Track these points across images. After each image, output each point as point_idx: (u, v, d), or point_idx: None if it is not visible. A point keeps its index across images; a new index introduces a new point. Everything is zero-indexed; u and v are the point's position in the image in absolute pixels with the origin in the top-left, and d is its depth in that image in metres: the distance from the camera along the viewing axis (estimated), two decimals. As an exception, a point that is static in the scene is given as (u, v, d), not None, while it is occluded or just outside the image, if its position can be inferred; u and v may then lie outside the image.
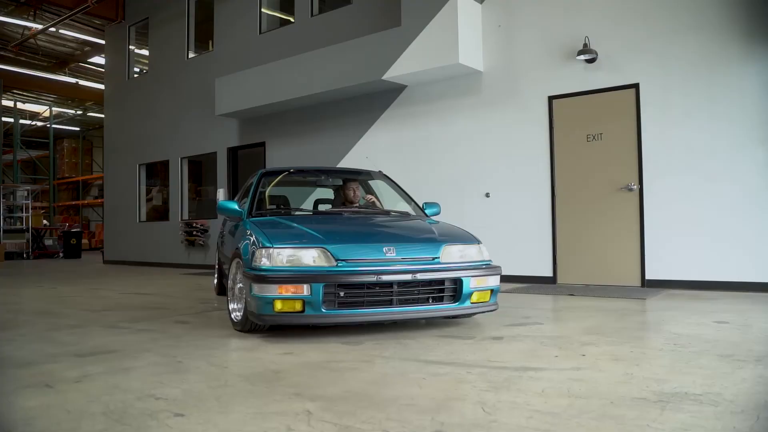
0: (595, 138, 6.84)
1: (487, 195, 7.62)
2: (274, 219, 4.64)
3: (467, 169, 7.82)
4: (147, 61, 13.91)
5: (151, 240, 12.79)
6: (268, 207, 5.18)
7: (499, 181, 7.54)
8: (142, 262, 12.87)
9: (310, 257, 3.74)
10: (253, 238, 3.99)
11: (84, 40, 17.21)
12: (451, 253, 4.03)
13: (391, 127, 8.65)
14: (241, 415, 2.29)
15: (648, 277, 6.42)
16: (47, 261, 16.48)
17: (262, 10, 10.69)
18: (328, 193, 6.17)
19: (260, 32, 10.62)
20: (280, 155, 10.06)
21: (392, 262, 3.82)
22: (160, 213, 13.33)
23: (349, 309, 3.73)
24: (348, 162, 8.95)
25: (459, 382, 2.73)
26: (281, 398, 2.50)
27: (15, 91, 21.60)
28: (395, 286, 3.76)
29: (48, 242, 18.80)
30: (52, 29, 15.09)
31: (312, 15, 9.78)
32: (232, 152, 11.13)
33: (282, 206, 5.39)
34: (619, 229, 6.63)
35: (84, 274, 10.76)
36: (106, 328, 4.45)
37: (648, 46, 6.50)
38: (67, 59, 19.14)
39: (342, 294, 3.68)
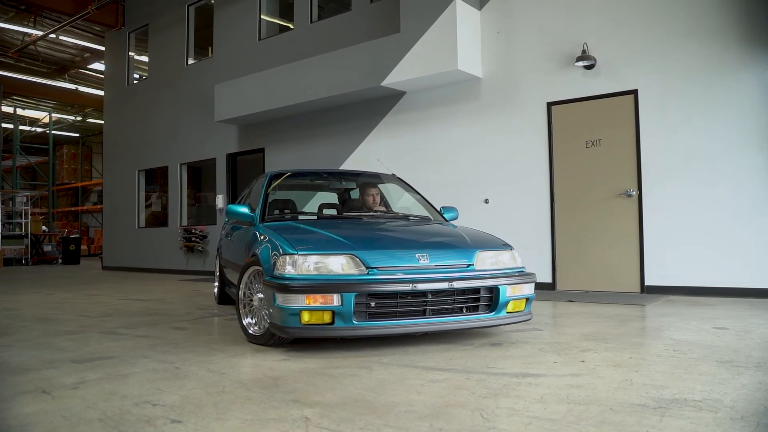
0: (594, 144, 6.84)
1: (486, 201, 7.62)
2: (291, 224, 4.39)
3: (466, 175, 7.83)
4: (146, 68, 13.93)
5: (150, 246, 12.79)
6: (277, 211, 4.90)
7: (498, 187, 7.55)
8: (141, 268, 12.85)
9: (339, 264, 3.49)
10: (272, 245, 3.75)
11: (84, 46, 17.25)
12: (485, 260, 3.82)
13: (390, 133, 8.66)
14: (238, 421, 2.27)
15: (647, 283, 6.41)
16: (46, 267, 16.46)
17: (262, 16, 10.73)
18: (332, 197, 5.92)
19: (259, 38, 10.65)
20: (279, 161, 10.06)
21: (426, 270, 3.59)
22: (159, 219, 13.33)
23: (381, 320, 3.47)
24: (348, 168, 8.95)
25: (457, 388, 2.72)
26: (279, 405, 2.49)
27: (15, 97, 21.63)
28: (429, 296, 3.53)
29: (47, 248, 18.80)
30: (52, 35, 15.15)
31: (311, 21, 9.81)
32: (232, 158, 11.14)
33: (292, 210, 5.05)
34: (618, 235, 6.63)
35: (82, 280, 10.74)
36: (104, 334, 4.44)
37: (646, 52, 6.51)
38: (67, 65, 19.18)
39: (373, 304, 3.44)
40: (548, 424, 2.18)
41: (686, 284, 6.19)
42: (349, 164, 9.00)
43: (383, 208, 5.37)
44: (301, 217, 4.84)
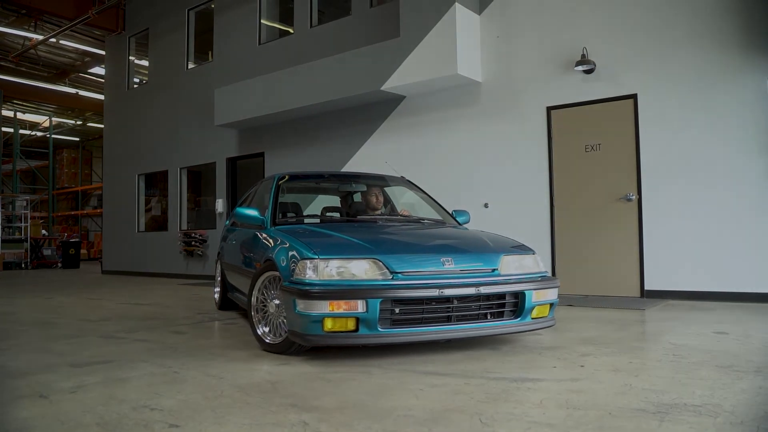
0: (594, 148, 6.84)
1: (486, 206, 7.61)
2: (305, 227, 4.27)
3: (466, 179, 7.83)
4: (147, 72, 13.95)
5: (150, 250, 12.77)
6: (286, 214, 4.72)
7: (497, 191, 7.54)
8: (140, 272, 12.84)
9: (362, 269, 3.37)
10: (290, 249, 3.61)
11: (84, 50, 17.28)
12: (509, 264, 3.71)
13: (390, 137, 8.67)
14: (236, 426, 2.27)
15: (647, 287, 6.40)
16: (46, 271, 16.44)
17: (262, 21, 10.74)
18: (333, 200, 5.82)
19: (260, 43, 10.66)
20: (279, 165, 10.06)
21: (452, 275, 3.48)
22: (158, 223, 13.33)
23: (406, 327, 3.35)
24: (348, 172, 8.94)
25: (456, 393, 2.71)
26: (277, 409, 2.48)
27: (15, 101, 21.65)
28: (455, 301, 3.42)
29: (47, 252, 18.77)
30: (53, 40, 15.15)
31: (311, 26, 9.83)
32: (231, 162, 11.14)
33: (297, 213, 4.87)
34: (618, 239, 6.63)
35: (82, 284, 10.73)
36: (102, 338, 4.43)
37: (646, 57, 6.52)
38: (68, 69, 19.21)
39: (397, 311, 3.32)
40: (547, 429, 2.17)
41: (686, 288, 6.18)
42: (349, 168, 9.00)
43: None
44: (311, 221, 4.70)
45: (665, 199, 6.35)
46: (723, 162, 6.04)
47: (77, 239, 19.97)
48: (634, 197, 6.53)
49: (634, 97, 6.57)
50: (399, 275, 3.38)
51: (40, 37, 15.01)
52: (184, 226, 12.19)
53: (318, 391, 2.78)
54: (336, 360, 3.47)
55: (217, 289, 6.29)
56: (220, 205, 11.02)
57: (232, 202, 10.82)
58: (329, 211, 5.19)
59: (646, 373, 3.04)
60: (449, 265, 3.52)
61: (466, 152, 7.86)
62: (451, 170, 7.97)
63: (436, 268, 3.49)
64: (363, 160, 8.85)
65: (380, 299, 3.22)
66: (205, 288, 8.98)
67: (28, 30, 15.35)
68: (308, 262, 3.37)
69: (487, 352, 3.66)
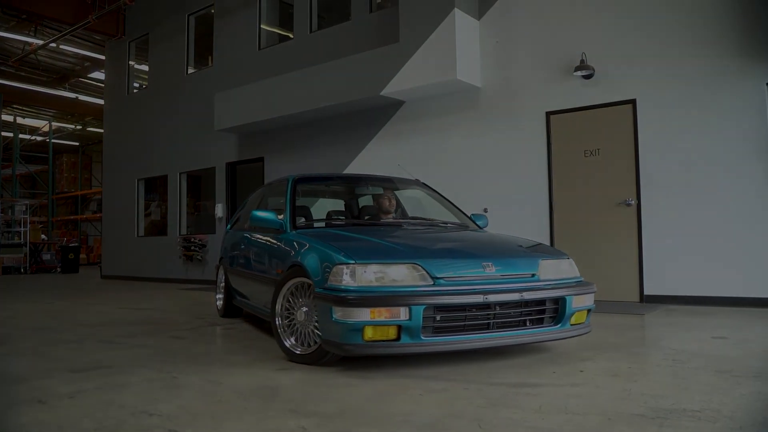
0: (593, 153, 6.85)
1: (485, 211, 7.61)
2: (329, 231, 4.12)
3: (465, 184, 7.82)
4: (146, 77, 13.97)
5: (150, 255, 12.77)
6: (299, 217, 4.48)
7: (497, 196, 7.54)
8: (139, 277, 12.83)
9: (402, 274, 3.19)
10: (320, 253, 3.43)
11: (84, 55, 17.29)
12: (548, 269, 3.58)
13: (389, 142, 8.68)
14: (235, 431, 2.27)
15: (647, 292, 6.40)
16: (45, 276, 16.42)
17: (262, 26, 10.77)
18: (341, 204, 5.65)
19: (259, 48, 10.68)
20: (278, 170, 10.06)
21: (493, 280, 3.34)
22: (158, 228, 13.33)
23: (448, 335, 3.20)
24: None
25: (456, 398, 2.71)
26: (276, 415, 2.48)
27: (15, 105, 21.66)
28: (496, 308, 3.28)
29: (46, 257, 18.75)
30: (53, 44, 15.18)
31: (311, 31, 9.85)
32: (231, 167, 11.15)
33: (307, 217, 4.63)
34: (617, 244, 6.63)
35: (81, 289, 10.72)
36: (101, 344, 4.43)
37: (645, 62, 6.54)
38: (67, 74, 19.22)
39: (438, 318, 3.16)
40: (546, 435, 2.17)
41: (685, 293, 6.18)
42: (349, 172, 9.00)
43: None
44: (321, 224, 4.52)
45: (664, 204, 6.35)
46: (722, 167, 6.05)
47: (76, 244, 19.97)
48: (634, 202, 6.54)
49: (633, 102, 6.59)
50: (441, 281, 3.22)
51: (40, 42, 15.03)
52: (184, 231, 12.19)
53: (317, 396, 2.78)
54: (335, 365, 3.45)
55: (220, 296, 6.03)
56: (219, 209, 11.02)
57: (232, 207, 10.82)
58: (338, 214, 5.01)
59: (645, 378, 3.04)
60: (490, 270, 3.38)
61: (465, 157, 7.87)
62: (450, 175, 7.96)
63: (478, 273, 3.36)
64: (362, 165, 8.86)
65: (424, 306, 3.08)
66: (204, 293, 8.97)
67: (28, 35, 15.38)
68: (344, 267, 3.20)
69: (486, 357, 3.66)
